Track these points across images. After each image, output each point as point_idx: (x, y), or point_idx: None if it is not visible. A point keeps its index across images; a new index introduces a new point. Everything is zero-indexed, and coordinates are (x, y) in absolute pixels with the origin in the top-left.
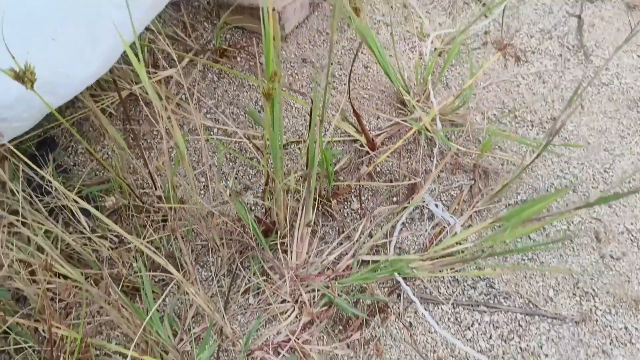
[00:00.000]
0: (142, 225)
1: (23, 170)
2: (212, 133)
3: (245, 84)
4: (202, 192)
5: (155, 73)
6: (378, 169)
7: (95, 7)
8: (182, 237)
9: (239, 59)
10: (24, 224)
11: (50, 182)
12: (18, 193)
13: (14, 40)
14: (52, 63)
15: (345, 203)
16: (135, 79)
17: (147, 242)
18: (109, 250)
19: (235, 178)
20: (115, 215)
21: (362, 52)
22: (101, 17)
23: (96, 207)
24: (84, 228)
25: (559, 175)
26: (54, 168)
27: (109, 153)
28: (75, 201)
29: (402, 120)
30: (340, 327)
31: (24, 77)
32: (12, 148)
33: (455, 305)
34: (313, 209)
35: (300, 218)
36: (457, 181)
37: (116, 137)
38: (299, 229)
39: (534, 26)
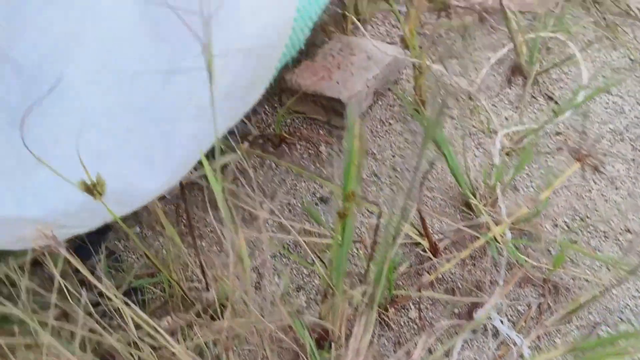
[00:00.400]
0: (189, 325)
1: (71, 263)
2: (266, 224)
3: (303, 174)
4: (253, 289)
5: (213, 159)
6: (439, 276)
7: (172, 115)
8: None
9: (298, 146)
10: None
11: (100, 272)
12: (61, 285)
13: (84, 134)
14: (120, 170)
15: (403, 311)
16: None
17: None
18: (151, 353)
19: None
20: (161, 310)
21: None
22: (177, 127)
23: (144, 301)
24: (129, 328)
25: (634, 295)
26: (105, 257)
27: (160, 240)
28: (125, 303)
29: (468, 226)
30: None
31: (94, 189)
32: (63, 252)
33: None
34: None
35: (358, 331)
36: (525, 295)
37: (172, 234)
38: (355, 341)
39: (605, 126)
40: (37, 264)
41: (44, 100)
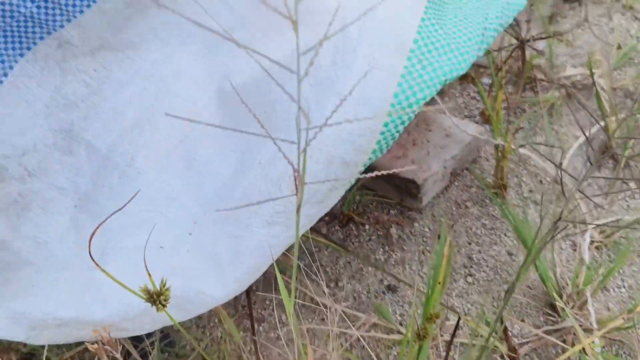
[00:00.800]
0: None
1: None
2: (327, 313)
3: (370, 257)
4: None
5: None
6: None
7: (243, 217)
8: None
9: (367, 226)
10: None
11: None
12: None
13: (151, 224)
14: (185, 272)
15: None
16: None
17: None
18: None
19: None
20: None
21: (505, 235)
22: (248, 232)
23: None
24: None
25: None
26: (159, 340)
27: (216, 320)
28: None
29: (552, 331)
30: None
31: (157, 299)
32: (118, 356)
33: None
34: None
35: None
36: None
37: (230, 328)
38: None
39: None
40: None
41: (113, 185)
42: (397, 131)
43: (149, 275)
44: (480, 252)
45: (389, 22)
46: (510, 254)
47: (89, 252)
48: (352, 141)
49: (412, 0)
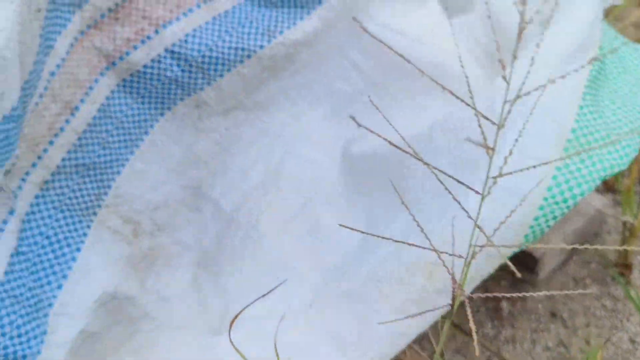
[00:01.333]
0: None
1: None
2: None
3: (478, 332)
4: None
5: None
6: None
7: (372, 302)
8: None
9: (475, 297)
10: None
11: None
12: None
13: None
14: (306, 348)
15: None
16: None
17: None
18: None
19: None
20: None
21: (627, 319)
22: (377, 318)
23: None
24: None
25: None
26: None
27: None
28: None
29: None
30: None
31: None
32: None
33: None
34: None
35: None
36: None
37: None
38: None
39: None
40: None
41: (235, 246)
42: (548, 226)
43: (277, 354)
44: (599, 336)
45: (544, 109)
46: (632, 341)
47: (229, 337)
48: (499, 234)
49: (570, 86)
